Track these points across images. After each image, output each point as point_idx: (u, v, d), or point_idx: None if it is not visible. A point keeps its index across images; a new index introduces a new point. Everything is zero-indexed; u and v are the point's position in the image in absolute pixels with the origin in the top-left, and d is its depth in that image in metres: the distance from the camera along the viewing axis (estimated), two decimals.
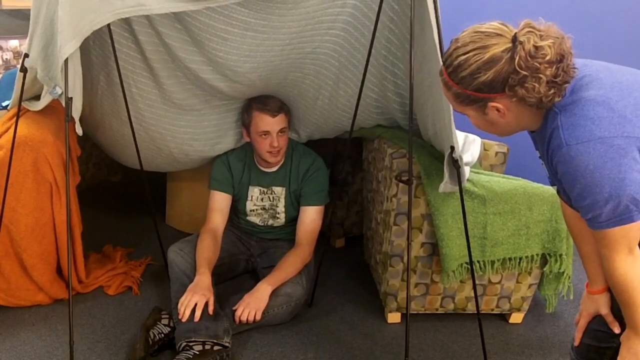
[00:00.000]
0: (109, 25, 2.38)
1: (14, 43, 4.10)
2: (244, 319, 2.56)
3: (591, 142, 1.36)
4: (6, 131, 2.61)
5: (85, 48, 2.56)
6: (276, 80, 2.70)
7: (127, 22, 2.39)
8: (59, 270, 2.82)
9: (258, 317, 2.57)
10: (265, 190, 2.92)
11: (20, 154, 2.51)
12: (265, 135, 2.74)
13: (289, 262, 2.72)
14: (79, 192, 2.94)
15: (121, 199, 4.09)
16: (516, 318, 2.85)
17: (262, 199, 2.94)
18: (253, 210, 2.97)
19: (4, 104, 3.25)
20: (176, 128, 2.83)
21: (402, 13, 2.30)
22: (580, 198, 1.44)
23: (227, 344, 2.45)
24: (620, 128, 1.37)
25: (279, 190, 2.92)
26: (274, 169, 2.89)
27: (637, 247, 1.47)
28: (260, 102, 2.76)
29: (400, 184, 2.51)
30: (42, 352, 2.49)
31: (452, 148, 2.23)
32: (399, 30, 2.38)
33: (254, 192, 2.93)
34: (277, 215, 2.97)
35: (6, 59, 4.13)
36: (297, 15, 2.28)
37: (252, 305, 2.57)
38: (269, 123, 2.72)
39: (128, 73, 2.60)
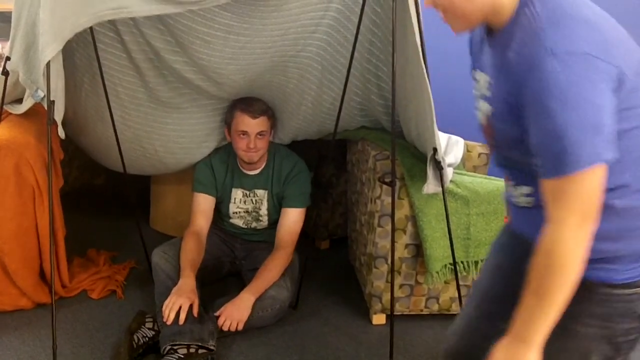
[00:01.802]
0: (91, 27, 2.38)
1: None
2: (225, 329, 2.55)
3: (577, 55, 1.18)
4: None
5: (68, 51, 2.55)
6: (260, 82, 2.70)
7: (112, 22, 2.39)
8: (42, 275, 2.80)
9: (240, 328, 2.55)
10: (248, 193, 2.92)
11: (1, 157, 2.50)
12: (243, 135, 2.74)
13: (270, 267, 2.71)
14: (62, 195, 2.92)
15: (105, 202, 4.07)
16: None
17: (244, 202, 2.94)
18: (236, 213, 2.97)
19: None
20: (162, 126, 2.83)
21: (385, 16, 2.32)
22: (549, 124, 1.19)
23: (212, 347, 2.44)
24: (605, 52, 1.19)
25: (262, 193, 2.92)
26: (256, 171, 2.88)
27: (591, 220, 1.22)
28: (244, 102, 2.76)
29: (384, 186, 2.52)
30: (26, 357, 2.47)
31: (435, 149, 2.24)
32: (382, 33, 2.40)
33: (237, 194, 2.93)
34: (260, 218, 2.97)
35: None
36: (279, 18, 2.28)
37: (235, 316, 2.55)
38: (249, 124, 2.72)
39: (114, 72, 2.59)
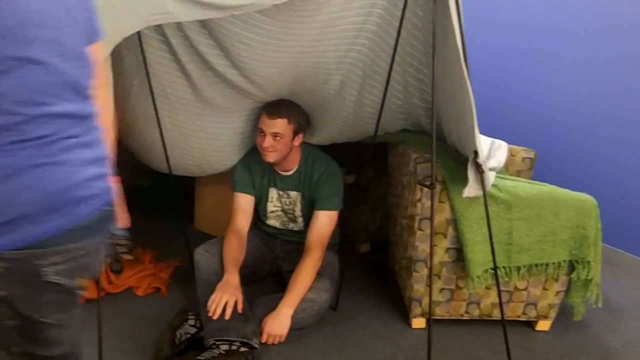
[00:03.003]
0: (139, 31, 2.45)
1: None
2: (269, 343, 2.59)
3: None
4: None
5: (118, 55, 2.63)
6: (302, 88, 2.74)
7: (159, 27, 2.45)
8: None
9: (282, 340, 2.60)
10: (282, 193, 2.96)
11: None
12: (261, 133, 2.78)
13: (302, 274, 2.71)
14: None
15: (151, 203, 4.15)
16: (543, 325, 2.82)
17: (280, 202, 2.98)
18: (273, 212, 3.01)
19: None
20: (208, 124, 2.89)
21: (426, 19, 2.32)
22: None
23: (256, 345, 2.48)
24: None
25: (294, 195, 2.95)
26: (289, 173, 2.91)
27: None
28: (270, 102, 2.81)
29: (425, 189, 2.51)
30: None
31: (476, 152, 2.23)
32: (423, 36, 2.40)
33: (273, 194, 2.98)
34: (296, 219, 3.01)
35: None
36: (318, 22, 2.31)
37: (276, 331, 2.59)
38: (265, 123, 2.76)
39: (163, 74, 2.66)
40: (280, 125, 2.74)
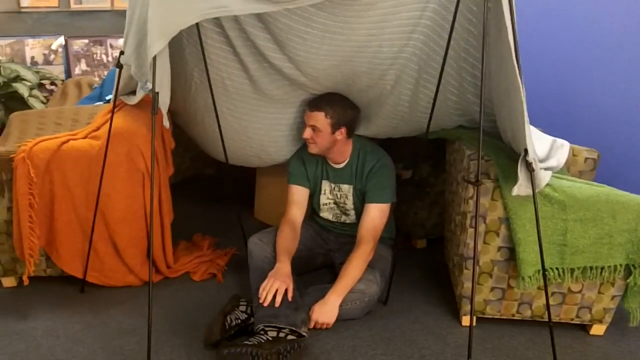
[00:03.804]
0: (198, 24, 2.53)
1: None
2: (316, 328, 2.66)
3: None
4: (105, 123, 2.81)
5: (179, 46, 2.72)
6: (358, 86, 2.77)
7: (217, 20, 2.53)
8: (149, 255, 2.99)
9: (329, 327, 2.66)
10: (334, 186, 3.00)
11: (115, 144, 2.70)
12: (304, 124, 2.86)
13: (352, 266, 2.74)
14: (174, 183, 3.11)
15: (214, 191, 4.28)
16: (598, 330, 2.75)
17: (332, 194, 3.02)
18: (326, 204, 3.05)
19: (107, 98, 3.49)
20: (265, 115, 2.97)
21: (480, 15, 2.30)
22: None
23: (304, 334, 2.52)
24: None
25: (346, 188, 2.97)
26: (341, 165, 2.94)
27: None
28: (315, 96, 2.89)
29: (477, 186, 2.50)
30: (129, 329, 2.66)
31: (526, 150, 2.20)
32: (478, 32, 2.38)
33: (326, 186, 3.02)
34: (348, 212, 3.04)
35: (115, 56, 4.40)
36: (373, 16, 2.32)
37: (323, 318, 2.65)
38: (307, 115, 2.85)
39: (221, 66, 2.74)
40: (317, 118, 2.79)
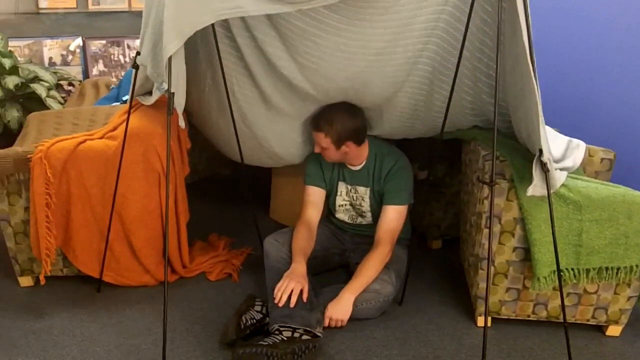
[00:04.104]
0: (213, 26, 2.54)
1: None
2: (331, 327, 2.66)
3: None
4: (122, 123, 2.83)
5: (193, 47, 2.73)
6: (371, 98, 2.76)
7: (227, 25, 2.53)
8: (165, 255, 3.01)
9: (344, 324, 2.66)
10: (350, 188, 2.99)
11: (131, 144, 2.71)
12: None
13: (368, 265, 2.74)
14: (190, 183, 3.13)
15: (230, 192, 4.29)
16: (614, 331, 2.73)
17: (348, 196, 3.02)
18: (342, 206, 3.05)
19: (124, 98, 3.52)
20: (275, 125, 2.96)
21: (495, 15, 2.29)
22: None
23: (319, 334, 2.53)
24: None
25: (362, 190, 2.97)
26: (358, 167, 2.93)
27: None
28: (316, 112, 2.86)
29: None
30: (144, 329, 2.68)
31: (541, 151, 2.19)
32: (492, 32, 2.37)
33: (342, 188, 3.02)
34: (364, 214, 3.03)
35: (132, 57, 4.43)
36: (388, 21, 2.32)
37: (337, 315, 2.65)
38: (312, 132, 2.85)
39: (231, 72, 2.74)
40: (319, 138, 2.79)
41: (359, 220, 3.08)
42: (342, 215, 3.10)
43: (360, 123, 2.83)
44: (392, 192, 2.87)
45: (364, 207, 3.02)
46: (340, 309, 2.65)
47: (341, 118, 2.76)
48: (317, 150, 2.85)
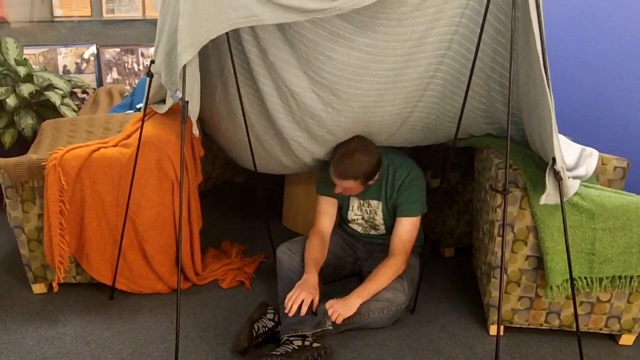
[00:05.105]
0: (228, 36, 2.55)
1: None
2: (331, 317, 2.60)
3: None
4: (136, 131, 2.85)
5: (205, 56, 2.75)
6: (380, 115, 2.76)
7: (238, 39, 2.54)
8: (177, 262, 3.02)
9: (339, 322, 2.59)
10: (363, 202, 2.99)
11: (145, 152, 2.73)
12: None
13: (381, 273, 2.73)
14: (204, 191, 3.14)
15: (243, 199, 4.31)
16: (627, 340, 2.72)
17: (360, 210, 3.02)
18: (354, 220, 3.06)
19: (138, 106, 3.54)
20: (281, 139, 2.96)
21: (509, 24, 2.29)
22: None
23: (329, 327, 2.56)
24: None
25: (375, 204, 2.97)
26: (370, 182, 2.89)
27: None
28: (337, 159, 2.78)
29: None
30: (157, 337, 2.69)
31: (554, 159, 2.19)
32: (506, 41, 2.37)
33: (354, 202, 3.02)
34: (377, 227, 3.04)
35: (146, 65, 4.46)
36: (402, 34, 2.32)
37: (340, 310, 2.59)
38: (335, 178, 2.79)
39: (240, 83, 2.76)
40: (347, 184, 2.78)
41: (372, 232, 3.08)
42: (355, 226, 3.10)
43: (377, 154, 2.82)
44: (405, 203, 2.87)
45: (377, 221, 3.01)
46: (344, 305, 2.62)
47: (363, 159, 2.75)
48: (337, 191, 2.83)
